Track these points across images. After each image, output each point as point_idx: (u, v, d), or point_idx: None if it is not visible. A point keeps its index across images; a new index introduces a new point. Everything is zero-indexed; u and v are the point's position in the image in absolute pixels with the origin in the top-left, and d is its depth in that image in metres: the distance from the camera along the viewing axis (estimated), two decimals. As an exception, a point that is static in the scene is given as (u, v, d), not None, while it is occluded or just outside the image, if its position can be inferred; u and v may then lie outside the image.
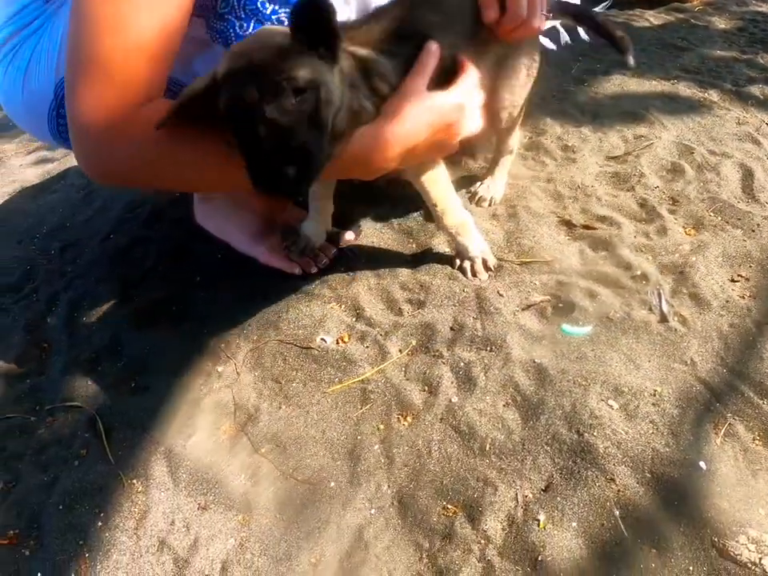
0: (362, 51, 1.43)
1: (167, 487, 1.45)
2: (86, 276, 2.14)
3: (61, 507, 1.44)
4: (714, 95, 2.89)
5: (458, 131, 1.59)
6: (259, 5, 1.44)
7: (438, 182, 1.78)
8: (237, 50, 1.28)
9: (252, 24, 1.45)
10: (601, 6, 2.95)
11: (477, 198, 2.13)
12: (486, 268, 1.87)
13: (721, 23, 3.83)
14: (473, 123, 1.63)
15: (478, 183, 2.19)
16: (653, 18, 3.94)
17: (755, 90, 2.92)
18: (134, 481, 1.48)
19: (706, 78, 3.08)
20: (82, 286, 2.10)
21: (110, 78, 1.29)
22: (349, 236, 2.01)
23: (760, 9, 4.07)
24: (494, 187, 2.14)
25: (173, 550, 1.34)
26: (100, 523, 1.41)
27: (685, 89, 2.97)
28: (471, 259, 1.87)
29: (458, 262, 1.89)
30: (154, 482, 1.47)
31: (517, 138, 2.14)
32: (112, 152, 1.37)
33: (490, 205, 2.11)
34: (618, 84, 3.04)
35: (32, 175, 2.96)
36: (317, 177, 1.27)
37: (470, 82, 1.59)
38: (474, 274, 1.86)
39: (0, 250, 2.41)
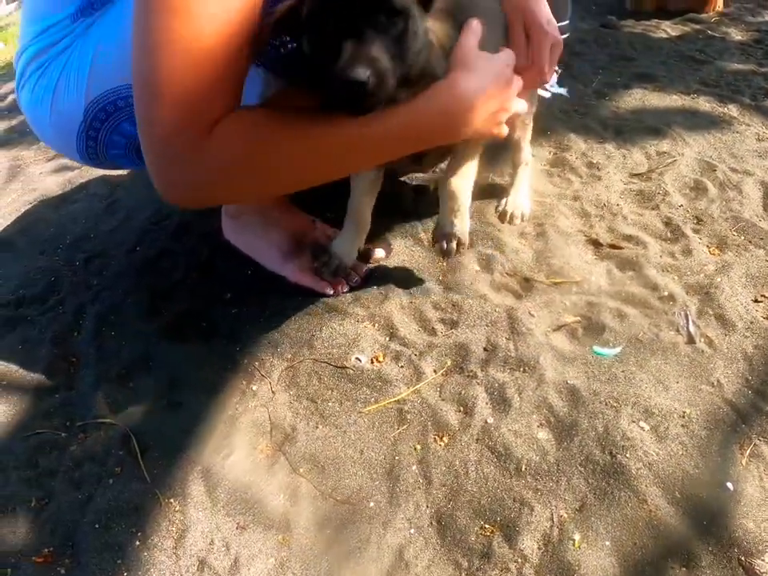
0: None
1: (205, 506, 1.45)
2: (113, 288, 2.13)
3: (97, 526, 1.44)
4: (733, 110, 2.91)
5: (510, 99, 1.61)
6: None
7: (469, 178, 1.79)
8: None
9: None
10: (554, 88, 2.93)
11: (507, 215, 2.12)
12: (460, 245, 1.82)
13: (737, 35, 3.85)
14: (518, 103, 1.65)
15: (504, 201, 2.18)
16: (669, 28, 3.97)
17: None
18: (171, 500, 1.48)
19: (725, 91, 3.10)
20: (109, 299, 2.08)
21: (182, 96, 1.27)
22: (380, 253, 2.02)
23: None
24: (519, 201, 2.14)
25: (213, 570, 1.34)
26: (138, 542, 1.40)
27: (705, 103, 2.99)
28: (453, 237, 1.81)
29: (440, 241, 1.82)
30: (192, 501, 1.47)
31: (529, 149, 2.17)
32: (200, 171, 1.36)
33: (522, 221, 2.11)
34: (639, 98, 3.06)
35: (52, 184, 2.94)
36: (384, 97, 1.30)
37: (510, 56, 1.61)
38: (449, 254, 1.83)
39: (23, 261, 2.40)
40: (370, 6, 1.23)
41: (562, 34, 3.47)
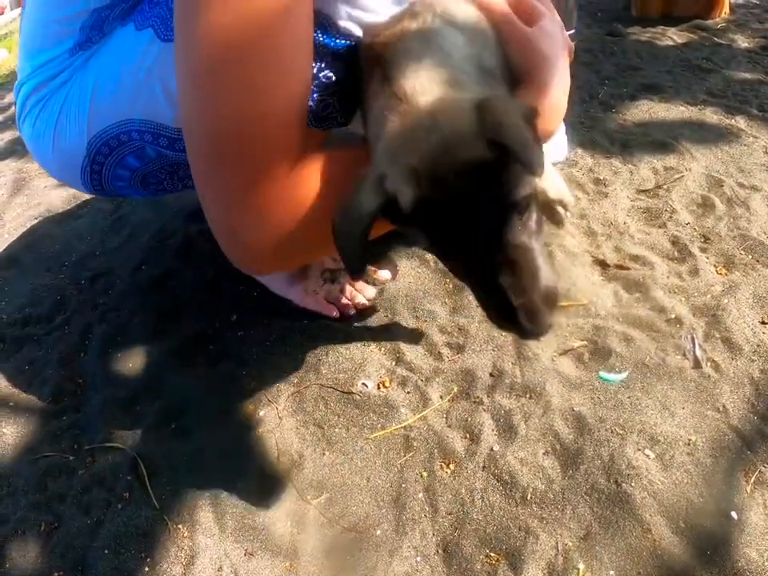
0: None
1: (213, 533, 1.46)
2: (119, 308, 2.14)
3: (106, 551, 1.45)
4: (741, 121, 2.90)
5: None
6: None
7: None
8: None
9: None
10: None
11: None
12: None
13: (744, 42, 3.83)
14: None
15: None
16: (675, 36, 3.95)
17: None
18: (180, 526, 1.49)
19: (732, 102, 3.09)
20: (115, 319, 2.09)
21: (246, 158, 1.19)
22: (386, 275, 2.03)
23: None
24: None
25: None
26: (147, 568, 1.42)
27: (712, 115, 2.98)
28: None
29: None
30: (200, 527, 1.47)
31: None
32: (282, 233, 1.27)
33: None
34: (645, 110, 3.05)
35: (57, 198, 2.95)
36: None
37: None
38: None
39: (29, 278, 2.40)
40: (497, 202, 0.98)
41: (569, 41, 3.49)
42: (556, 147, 2.54)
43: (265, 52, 1.12)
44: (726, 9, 4.29)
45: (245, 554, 1.42)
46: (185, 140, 1.24)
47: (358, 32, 1.28)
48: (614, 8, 4.57)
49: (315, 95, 1.28)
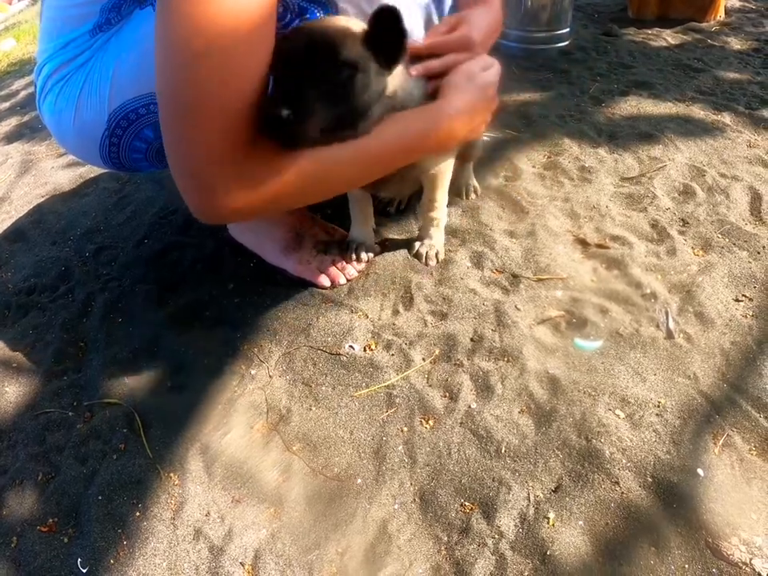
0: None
1: (203, 481, 1.53)
2: (122, 278, 2.21)
3: (100, 498, 1.51)
4: (726, 118, 2.94)
5: (492, 109, 1.79)
6: None
7: (446, 175, 1.98)
8: (316, 22, 1.50)
9: None
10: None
11: (423, 256, 2.11)
12: (437, 259, 2.07)
13: (736, 44, 3.88)
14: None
15: (417, 243, 2.16)
16: (670, 37, 4.00)
17: (767, 113, 2.97)
18: (171, 474, 1.55)
19: (720, 99, 3.14)
20: (117, 288, 2.16)
21: (220, 112, 1.34)
22: (375, 248, 2.11)
23: None
24: (435, 242, 2.13)
25: (208, 539, 1.41)
26: (138, 513, 1.48)
27: (699, 111, 3.03)
28: (431, 248, 2.07)
29: (418, 247, 2.10)
30: (191, 475, 1.54)
31: (444, 199, 2.09)
32: (246, 188, 1.45)
33: (437, 262, 2.10)
34: (634, 105, 3.10)
35: (64, 178, 3.02)
36: (309, 135, 1.41)
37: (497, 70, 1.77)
38: (428, 261, 2.06)
39: (35, 251, 2.48)
40: (318, 56, 1.39)
41: (562, 41, 3.57)
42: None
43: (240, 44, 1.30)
44: (721, 12, 4.34)
45: (232, 501, 1.49)
46: (158, 99, 1.39)
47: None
48: (611, 9, 4.63)
49: None
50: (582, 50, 3.80)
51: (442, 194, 2.03)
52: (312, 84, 1.39)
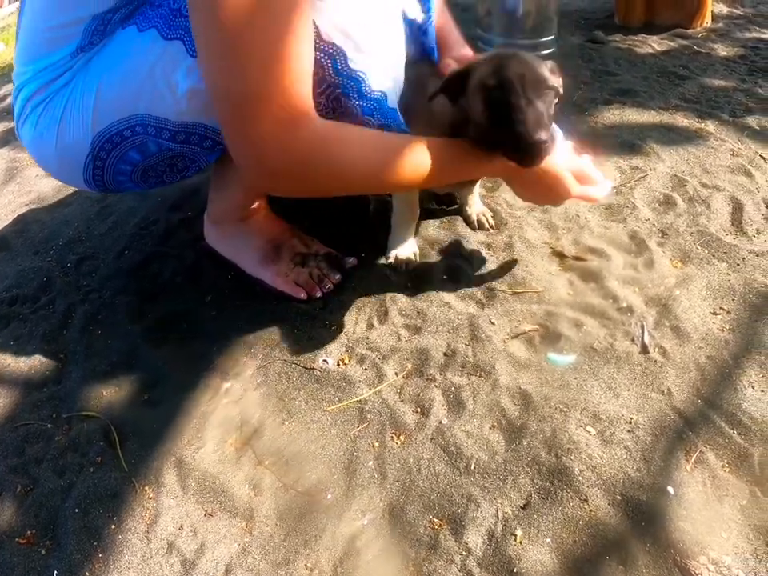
0: None
1: (177, 494, 1.54)
2: (102, 289, 2.22)
3: (77, 510, 1.53)
4: (710, 126, 2.95)
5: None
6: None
7: None
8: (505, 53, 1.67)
9: None
10: None
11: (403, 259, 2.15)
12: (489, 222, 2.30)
13: (723, 50, 3.88)
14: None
15: (470, 212, 2.33)
16: (656, 44, 4.00)
17: (752, 120, 2.98)
18: (146, 488, 1.56)
19: (704, 107, 3.14)
20: (98, 300, 2.17)
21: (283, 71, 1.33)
22: (352, 261, 2.12)
23: (763, 36, 4.12)
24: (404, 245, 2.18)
25: (181, 553, 1.43)
26: (113, 526, 1.49)
27: (682, 119, 3.03)
28: (484, 214, 2.31)
29: (474, 216, 2.32)
30: (165, 489, 1.55)
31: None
32: (292, 157, 1.45)
33: (407, 267, 2.13)
34: (617, 113, 3.11)
35: (47, 187, 3.03)
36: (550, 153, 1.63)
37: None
38: (485, 227, 2.29)
39: (18, 260, 2.49)
40: (537, 83, 1.58)
41: (548, 48, 3.58)
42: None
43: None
44: (708, 18, 4.34)
45: (205, 514, 1.50)
46: (211, 93, 1.39)
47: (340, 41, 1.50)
48: (597, 16, 4.63)
49: None
50: (567, 58, 3.79)
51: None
52: (545, 109, 1.59)
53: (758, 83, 3.44)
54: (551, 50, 3.86)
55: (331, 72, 1.53)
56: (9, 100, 4.42)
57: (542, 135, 1.51)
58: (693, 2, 4.25)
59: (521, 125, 1.52)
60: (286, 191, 1.72)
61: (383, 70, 1.61)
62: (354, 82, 1.56)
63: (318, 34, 1.46)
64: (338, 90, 1.57)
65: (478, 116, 1.65)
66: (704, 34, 4.21)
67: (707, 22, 4.35)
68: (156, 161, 1.71)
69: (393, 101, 1.66)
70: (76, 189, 2.89)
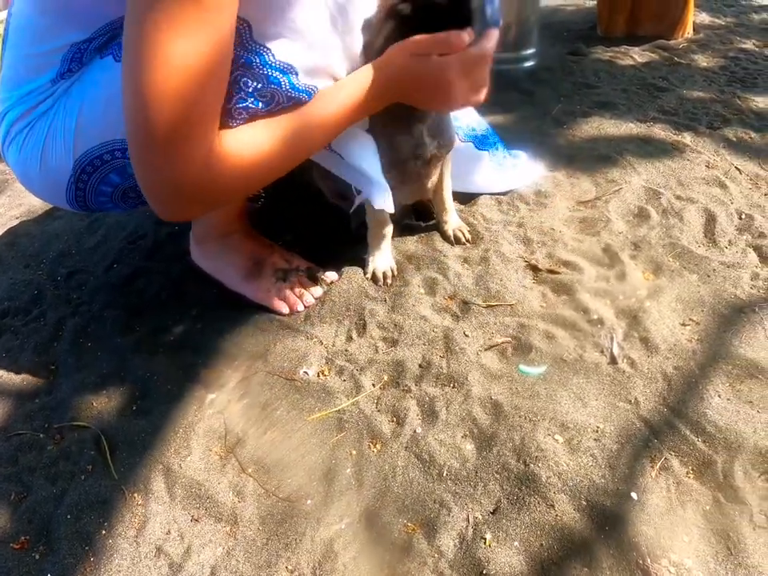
0: None
1: (164, 501, 1.59)
2: (92, 303, 2.27)
3: (69, 517, 1.58)
4: (687, 138, 3.01)
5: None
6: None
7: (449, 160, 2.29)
8: None
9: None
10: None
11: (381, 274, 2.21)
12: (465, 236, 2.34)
13: (703, 61, 3.94)
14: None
15: (447, 228, 2.39)
16: (637, 55, 4.06)
17: (728, 132, 3.04)
18: (135, 495, 1.61)
19: (682, 119, 3.20)
20: (87, 313, 2.23)
21: (183, 112, 1.46)
22: (332, 276, 2.18)
23: (744, 46, 4.18)
24: (382, 260, 2.24)
25: (168, 556, 1.48)
26: (104, 532, 1.54)
27: (660, 131, 3.09)
28: (460, 228, 2.36)
29: (450, 231, 2.37)
30: (153, 496, 1.60)
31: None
32: (209, 190, 1.62)
33: (386, 280, 2.19)
34: (595, 126, 3.17)
35: (37, 200, 3.02)
36: None
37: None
38: (463, 241, 2.34)
39: (9, 273, 2.54)
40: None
41: (529, 61, 3.65)
42: (526, 170, 2.69)
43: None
44: (690, 29, 4.41)
45: (191, 520, 1.56)
46: (125, 123, 1.50)
47: (292, 60, 1.61)
48: (580, 27, 4.70)
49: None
50: (548, 70, 3.85)
51: (449, 176, 2.31)
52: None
53: (736, 94, 3.50)
54: (533, 63, 3.92)
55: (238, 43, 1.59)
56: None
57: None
58: (674, 13, 4.31)
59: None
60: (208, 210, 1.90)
61: (290, 42, 1.66)
62: (257, 56, 1.62)
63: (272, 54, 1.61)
64: (271, 86, 1.65)
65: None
66: (685, 44, 4.27)
67: (689, 32, 4.42)
68: (134, 182, 1.77)
69: (304, 75, 1.70)
70: (63, 205, 2.95)
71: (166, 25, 1.37)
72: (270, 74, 1.62)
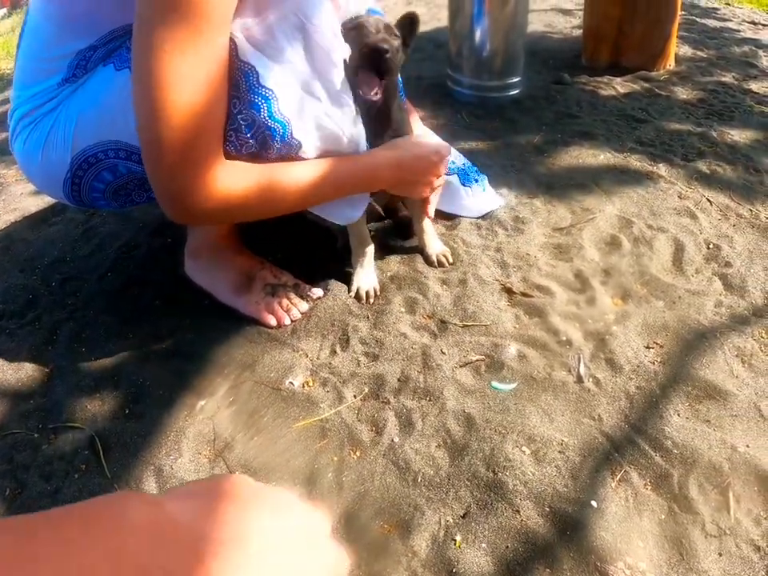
0: None
1: None
2: (86, 309, 2.34)
3: None
4: (662, 169, 3.10)
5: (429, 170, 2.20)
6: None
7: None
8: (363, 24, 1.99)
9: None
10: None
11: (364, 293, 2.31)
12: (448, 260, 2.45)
13: (683, 94, 4.01)
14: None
15: (429, 253, 2.49)
16: (619, 86, 4.13)
17: (702, 164, 3.13)
18: None
19: (658, 150, 3.29)
20: (82, 318, 2.30)
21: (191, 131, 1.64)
22: (318, 292, 2.28)
23: (723, 79, 4.24)
24: (366, 279, 2.34)
25: None
26: None
27: (636, 162, 3.18)
28: (443, 253, 2.46)
29: (433, 256, 2.46)
30: None
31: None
32: (210, 206, 1.76)
33: (368, 299, 2.30)
34: (575, 156, 3.25)
35: (32, 204, 3.15)
36: (394, 69, 2.04)
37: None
38: (445, 264, 2.44)
39: (4, 277, 2.60)
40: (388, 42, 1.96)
41: (514, 89, 3.74)
42: (486, 199, 2.80)
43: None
44: (672, 61, 4.46)
45: (180, 519, 1.65)
46: (138, 132, 1.68)
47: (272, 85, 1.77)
48: (566, 55, 4.76)
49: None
50: (532, 99, 3.92)
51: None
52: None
53: (712, 127, 3.59)
54: (518, 91, 4.00)
55: (245, 88, 1.76)
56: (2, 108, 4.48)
57: (383, 46, 1.91)
58: (657, 45, 4.37)
59: (365, 37, 1.93)
60: (216, 222, 2.14)
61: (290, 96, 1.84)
62: (264, 100, 1.78)
63: (256, 78, 1.75)
64: (266, 132, 1.80)
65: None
66: (666, 76, 4.33)
67: (670, 64, 4.47)
68: (125, 180, 1.92)
69: (297, 130, 1.87)
70: (60, 208, 3.06)
71: (170, 46, 1.54)
72: (252, 99, 1.76)
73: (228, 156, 1.77)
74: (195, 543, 0.60)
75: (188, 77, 1.57)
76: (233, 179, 1.74)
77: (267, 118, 1.77)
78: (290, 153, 1.88)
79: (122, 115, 1.78)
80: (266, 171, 1.81)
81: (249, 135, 1.78)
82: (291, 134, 1.83)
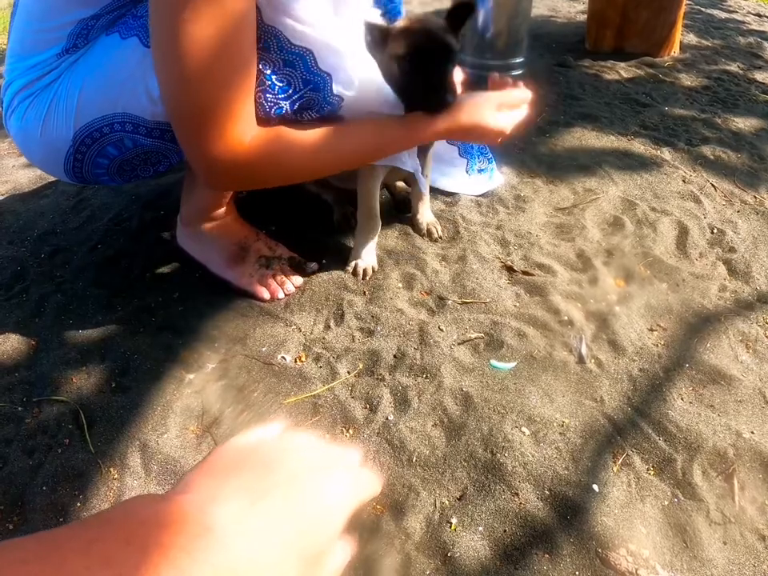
0: None
1: (140, 476, 1.62)
2: (75, 281, 2.29)
3: (44, 488, 1.60)
4: (666, 153, 3.08)
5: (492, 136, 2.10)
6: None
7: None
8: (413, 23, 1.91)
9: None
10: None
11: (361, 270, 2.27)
12: (438, 231, 2.44)
13: (687, 80, 3.99)
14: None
15: (421, 223, 2.46)
16: (623, 71, 4.10)
17: (706, 149, 3.11)
18: (111, 469, 1.64)
19: (662, 135, 3.27)
20: (70, 290, 2.24)
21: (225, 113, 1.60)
22: (313, 266, 2.24)
23: (728, 68, 4.23)
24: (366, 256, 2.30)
25: None
26: (78, 504, 1.57)
27: (639, 145, 3.16)
28: (434, 224, 2.46)
29: (424, 227, 2.46)
30: (129, 471, 1.63)
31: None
32: (241, 171, 1.74)
33: (365, 276, 2.25)
34: (577, 137, 3.23)
35: (24, 177, 3.09)
36: None
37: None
38: (436, 235, 2.43)
39: None
40: (447, 54, 1.85)
41: (516, 69, 3.69)
42: (490, 179, 2.76)
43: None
44: (677, 48, 4.46)
45: (165, 495, 1.60)
46: (167, 107, 1.66)
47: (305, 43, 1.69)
48: (569, 40, 4.74)
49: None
50: (535, 80, 3.80)
51: (429, 170, 2.44)
52: (449, 73, 1.88)
53: (717, 114, 3.58)
54: (520, 72, 3.96)
55: (302, 69, 1.73)
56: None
57: (449, 97, 1.84)
58: (661, 32, 4.36)
59: (431, 90, 1.84)
60: (245, 188, 2.15)
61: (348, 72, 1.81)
62: (322, 80, 1.76)
63: (285, 38, 1.68)
64: (305, 96, 1.76)
65: (395, 79, 1.90)
66: (671, 63, 4.33)
67: (675, 51, 4.47)
68: (131, 155, 1.85)
69: (336, 83, 1.82)
70: (52, 181, 3.00)
71: (190, 14, 1.47)
72: (286, 57, 1.71)
73: (261, 120, 1.73)
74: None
75: (210, 39, 1.51)
76: (271, 143, 1.72)
77: (306, 72, 1.74)
78: (333, 111, 1.85)
79: (129, 86, 1.73)
80: (305, 134, 1.77)
81: (283, 96, 1.75)
82: (331, 88, 1.80)
